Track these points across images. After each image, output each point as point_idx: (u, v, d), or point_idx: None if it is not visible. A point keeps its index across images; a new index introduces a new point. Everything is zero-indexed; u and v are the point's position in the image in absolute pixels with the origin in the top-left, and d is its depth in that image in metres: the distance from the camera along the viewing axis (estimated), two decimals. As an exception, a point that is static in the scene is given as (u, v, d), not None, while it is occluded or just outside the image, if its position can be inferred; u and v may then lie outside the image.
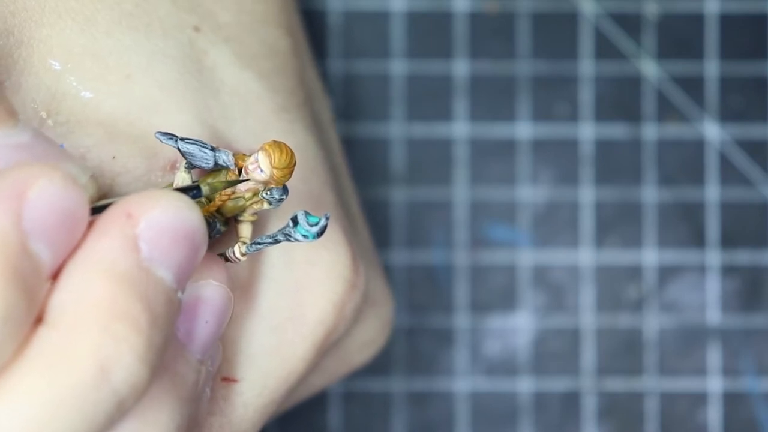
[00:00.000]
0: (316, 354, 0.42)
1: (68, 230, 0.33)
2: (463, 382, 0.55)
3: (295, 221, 0.37)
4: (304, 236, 0.37)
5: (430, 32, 0.55)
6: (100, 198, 0.38)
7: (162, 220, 0.34)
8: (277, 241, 0.38)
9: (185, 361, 0.36)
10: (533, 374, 0.55)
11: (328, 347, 0.42)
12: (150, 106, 0.40)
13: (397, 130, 0.55)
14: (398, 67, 0.55)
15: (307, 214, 0.37)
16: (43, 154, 0.35)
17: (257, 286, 0.41)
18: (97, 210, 0.34)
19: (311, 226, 0.37)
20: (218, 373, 0.40)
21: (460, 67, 0.55)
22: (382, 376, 0.54)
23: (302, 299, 0.41)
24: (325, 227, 0.37)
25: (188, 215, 0.34)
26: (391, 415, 0.55)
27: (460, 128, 0.55)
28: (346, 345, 0.45)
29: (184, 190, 0.37)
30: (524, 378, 0.55)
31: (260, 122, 0.42)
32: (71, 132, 0.39)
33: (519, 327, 0.55)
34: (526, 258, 0.55)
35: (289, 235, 0.37)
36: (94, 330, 0.32)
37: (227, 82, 0.42)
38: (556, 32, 0.55)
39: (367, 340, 0.46)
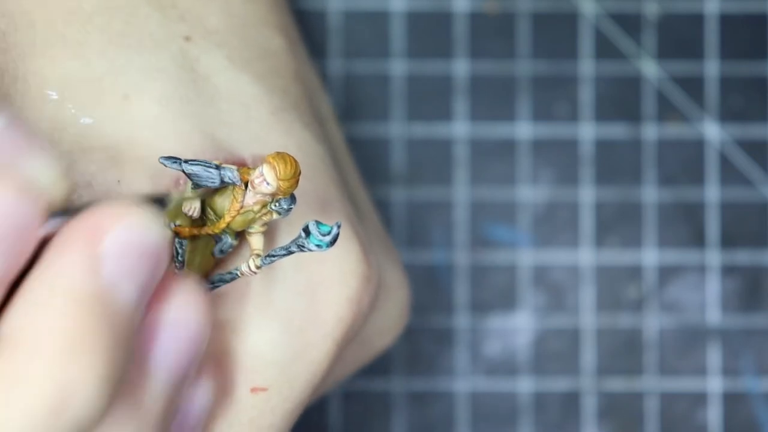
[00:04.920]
0: (338, 350, 0.42)
1: (18, 242, 0.32)
2: (463, 382, 0.55)
3: (307, 231, 0.37)
4: (318, 246, 0.37)
5: (430, 32, 0.55)
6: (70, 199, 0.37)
7: (126, 238, 0.33)
8: (290, 252, 0.38)
9: (148, 385, 0.35)
10: (533, 374, 0.55)
11: (348, 342, 0.42)
12: (149, 124, 0.40)
13: (397, 130, 0.55)
14: (398, 67, 0.55)
15: (318, 223, 0.37)
16: (12, 143, 0.34)
17: (272, 293, 0.41)
18: (65, 214, 0.33)
19: (324, 235, 0.37)
20: (246, 385, 0.40)
21: (460, 67, 0.55)
22: (382, 376, 0.54)
23: (318, 299, 0.41)
24: (337, 235, 0.37)
25: (152, 232, 0.33)
26: (391, 415, 0.55)
27: (460, 128, 0.55)
28: (365, 334, 0.45)
29: (154, 200, 0.37)
30: (524, 378, 0.55)
31: (260, 125, 0.42)
32: (75, 161, 0.39)
33: (519, 327, 0.55)
34: (526, 258, 0.55)
35: (303, 246, 0.37)
36: (52, 353, 0.31)
37: (223, 87, 0.42)
38: (556, 32, 0.55)
39: (386, 327, 0.46)
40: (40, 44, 0.40)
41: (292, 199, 0.38)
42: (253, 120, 0.42)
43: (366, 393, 0.54)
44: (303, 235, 0.37)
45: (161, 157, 0.38)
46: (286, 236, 0.41)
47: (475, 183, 0.55)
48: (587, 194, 0.55)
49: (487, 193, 0.55)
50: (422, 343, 0.54)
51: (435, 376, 0.55)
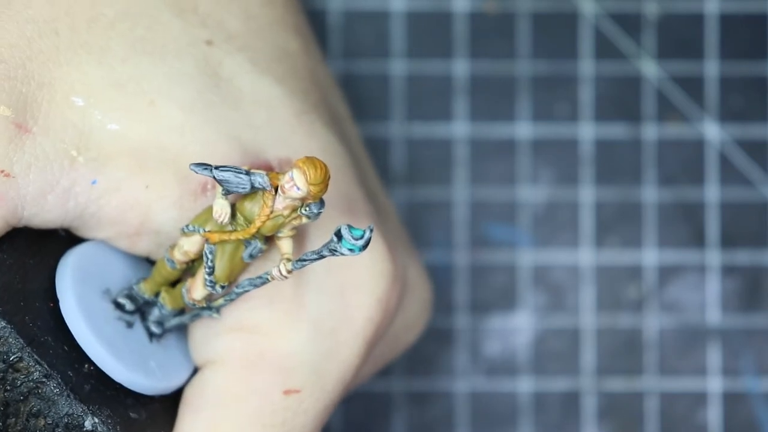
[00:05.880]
0: (368, 350, 0.42)
1: None
2: (463, 382, 0.55)
3: (339, 235, 0.37)
4: (350, 250, 0.37)
5: (430, 32, 0.55)
6: None
7: None
8: (322, 257, 0.38)
9: None
10: (533, 374, 0.55)
11: (377, 340, 0.43)
12: (175, 129, 0.40)
13: (397, 130, 0.55)
14: (398, 67, 0.55)
15: (350, 227, 0.37)
16: None
17: (303, 297, 0.41)
18: None
19: (356, 239, 0.37)
20: (279, 387, 0.41)
21: (460, 67, 0.55)
22: (382, 376, 0.54)
23: (348, 301, 0.42)
24: (369, 239, 0.37)
25: None
26: (391, 415, 0.55)
27: (460, 128, 0.55)
28: (391, 332, 0.46)
29: None
30: (524, 378, 0.55)
31: (285, 126, 0.42)
32: (103, 166, 0.40)
33: (519, 327, 0.55)
34: (526, 258, 0.55)
35: (335, 250, 0.37)
36: None
37: (246, 90, 0.42)
38: (556, 32, 0.55)
39: (410, 324, 0.47)
40: (64, 50, 0.40)
41: (322, 203, 0.38)
42: (277, 122, 0.42)
43: (366, 393, 0.54)
44: (335, 239, 0.37)
45: (192, 164, 0.38)
46: (315, 240, 0.41)
47: (475, 183, 0.55)
48: (587, 194, 0.55)
49: (487, 193, 0.55)
50: (422, 343, 0.54)
51: (435, 376, 0.55)
